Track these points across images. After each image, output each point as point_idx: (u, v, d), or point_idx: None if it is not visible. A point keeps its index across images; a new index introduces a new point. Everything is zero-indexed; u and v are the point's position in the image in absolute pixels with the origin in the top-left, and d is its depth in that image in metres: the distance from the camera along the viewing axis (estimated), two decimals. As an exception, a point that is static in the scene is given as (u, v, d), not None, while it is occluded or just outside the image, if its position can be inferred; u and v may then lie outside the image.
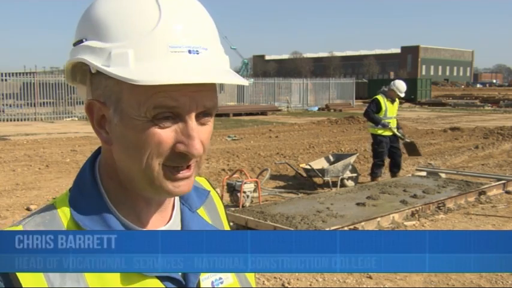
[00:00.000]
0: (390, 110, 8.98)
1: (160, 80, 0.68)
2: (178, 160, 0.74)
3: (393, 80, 10.16)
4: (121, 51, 0.70)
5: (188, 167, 0.76)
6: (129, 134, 0.74)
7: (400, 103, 8.86)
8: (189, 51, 0.71)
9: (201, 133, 0.75)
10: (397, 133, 9.07)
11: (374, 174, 9.06)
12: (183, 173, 0.76)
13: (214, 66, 0.73)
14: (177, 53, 0.71)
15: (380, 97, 8.96)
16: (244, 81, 0.76)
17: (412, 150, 9.68)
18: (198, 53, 0.72)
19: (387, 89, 8.98)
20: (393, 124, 9.03)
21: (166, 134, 0.73)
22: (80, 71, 0.79)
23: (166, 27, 0.71)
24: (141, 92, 0.71)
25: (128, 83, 0.69)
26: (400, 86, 8.86)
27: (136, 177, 0.76)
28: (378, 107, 8.89)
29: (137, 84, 0.68)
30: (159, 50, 0.70)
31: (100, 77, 0.73)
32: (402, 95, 8.95)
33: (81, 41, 0.75)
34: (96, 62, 0.72)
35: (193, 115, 0.73)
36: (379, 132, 8.99)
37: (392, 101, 8.97)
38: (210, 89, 0.74)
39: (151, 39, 0.70)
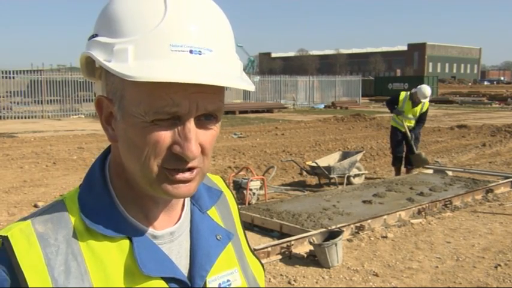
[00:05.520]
0: (408, 110, 9.19)
1: (155, 77, 0.67)
2: (175, 162, 0.73)
3: (400, 77, 10.49)
4: (122, 47, 0.70)
5: (190, 170, 0.75)
6: (129, 132, 0.73)
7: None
8: (191, 51, 0.70)
9: (201, 136, 0.74)
10: (408, 134, 9.25)
11: (392, 164, 9.63)
12: (183, 175, 0.74)
13: (216, 68, 0.71)
14: (178, 52, 0.69)
15: (403, 93, 9.35)
16: (249, 87, 0.74)
17: (419, 161, 9.65)
18: (200, 54, 0.70)
19: (413, 91, 9.15)
20: (409, 123, 9.27)
21: (164, 134, 0.72)
22: (97, 67, 0.78)
23: (170, 26, 0.70)
24: (142, 90, 0.70)
25: (130, 81, 0.69)
26: (422, 90, 8.98)
27: (137, 176, 0.76)
28: (396, 99, 9.34)
29: (132, 80, 0.67)
30: (160, 48, 0.69)
31: (109, 73, 0.73)
32: (423, 100, 9.03)
33: (94, 36, 0.75)
34: (100, 57, 0.72)
35: (192, 117, 0.72)
36: (394, 124, 9.48)
37: (414, 103, 9.11)
38: (213, 92, 0.72)
39: (153, 37, 0.70)
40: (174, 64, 0.69)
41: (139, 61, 0.69)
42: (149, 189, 0.77)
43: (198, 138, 0.73)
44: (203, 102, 0.72)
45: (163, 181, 0.74)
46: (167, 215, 0.83)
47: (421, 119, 9.35)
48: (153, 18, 0.71)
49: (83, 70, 0.81)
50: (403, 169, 9.55)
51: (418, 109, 9.16)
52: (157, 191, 0.76)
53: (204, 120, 0.74)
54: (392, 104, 9.36)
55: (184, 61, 0.69)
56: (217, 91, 0.74)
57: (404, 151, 9.43)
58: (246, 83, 0.74)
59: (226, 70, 0.73)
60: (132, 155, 0.75)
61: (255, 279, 0.92)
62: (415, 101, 9.05)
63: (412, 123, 9.29)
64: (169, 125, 0.72)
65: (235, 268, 0.88)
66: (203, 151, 0.75)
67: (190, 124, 0.72)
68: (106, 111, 0.78)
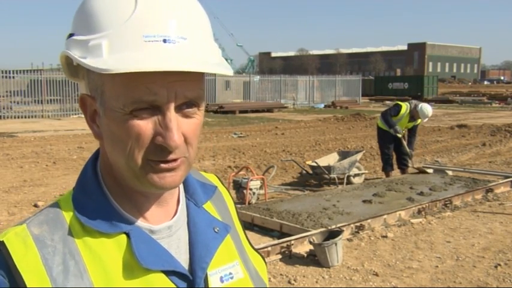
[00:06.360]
0: (403, 123, 8.99)
1: (128, 68, 0.67)
2: (159, 153, 0.73)
3: (400, 76, 10.25)
4: (96, 42, 0.70)
5: (175, 160, 0.74)
6: (112, 126, 0.74)
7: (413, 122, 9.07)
8: (164, 41, 0.70)
9: (183, 125, 0.74)
10: (406, 148, 9.10)
11: (384, 169, 9.23)
12: (167, 164, 0.74)
13: (192, 55, 0.71)
14: (151, 42, 0.69)
15: (404, 106, 8.97)
16: (227, 71, 0.74)
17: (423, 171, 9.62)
18: (174, 43, 0.70)
19: (413, 106, 8.90)
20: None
21: (145, 126, 0.72)
22: (80, 67, 0.78)
23: (141, 17, 0.70)
24: (119, 83, 0.71)
25: (108, 76, 0.69)
26: (424, 111, 8.74)
27: (123, 171, 0.76)
28: (397, 111, 8.93)
29: (106, 72, 0.68)
30: (133, 40, 0.69)
31: (90, 71, 0.73)
32: (423, 119, 8.90)
33: (71, 36, 0.76)
34: (76, 55, 0.72)
35: (171, 106, 0.72)
36: (382, 126, 9.15)
37: (412, 119, 8.94)
38: (191, 79, 0.72)
39: (125, 30, 0.70)
40: (148, 54, 0.69)
41: (114, 54, 0.70)
42: (136, 183, 0.77)
43: (181, 127, 0.73)
44: (182, 90, 0.72)
45: (149, 171, 0.74)
46: (162, 210, 0.83)
47: (413, 130, 9.27)
48: (124, 11, 0.71)
49: (65, 71, 0.82)
50: (394, 174, 9.37)
51: (412, 123, 9.08)
52: (143, 184, 0.76)
53: (186, 108, 0.74)
54: (391, 117, 8.96)
55: (158, 50, 0.70)
56: (196, 78, 0.74)
57: (393, 154, 9.23)
58: (224, 68, 0.74)
59: (202, 57, 0.73)
60: (117, 149, 0.75)
61: (257, 273, 0.92)
62: (413, 116, 8.89)
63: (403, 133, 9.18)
64: (149, 116, 0.72)
65: (236, 261, 0.87)
66: (186, 140, 0.75)
67: (171, 113, 0.72)
68: (90, 109, 0.78)
